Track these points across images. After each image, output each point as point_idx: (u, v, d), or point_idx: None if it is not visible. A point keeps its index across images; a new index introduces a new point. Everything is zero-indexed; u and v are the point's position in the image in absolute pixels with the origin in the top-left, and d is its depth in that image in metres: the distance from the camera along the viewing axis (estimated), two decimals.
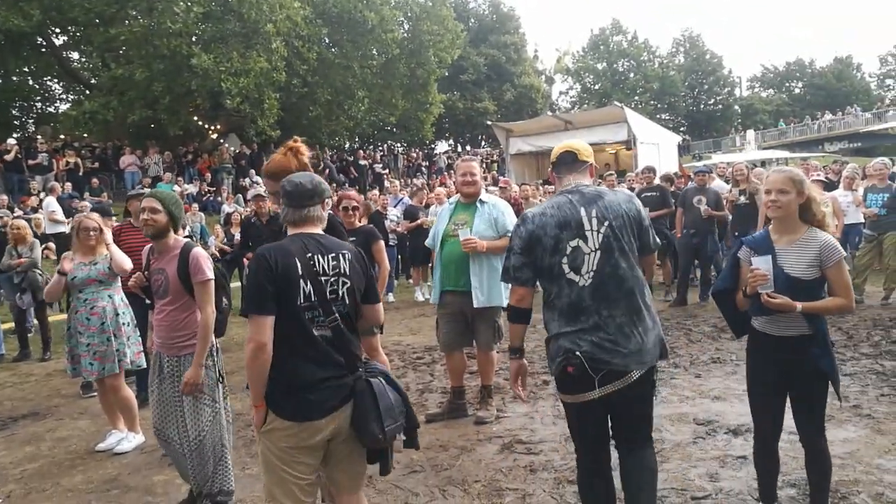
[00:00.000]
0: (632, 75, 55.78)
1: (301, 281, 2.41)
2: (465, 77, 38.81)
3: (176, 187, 18.00)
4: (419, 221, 10.71)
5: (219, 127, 24.22)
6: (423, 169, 28.23)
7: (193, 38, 19.89)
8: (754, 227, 9.02)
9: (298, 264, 2.41)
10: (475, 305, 4.70)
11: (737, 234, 9.31)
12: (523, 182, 13.77)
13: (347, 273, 2.50)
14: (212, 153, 22.38)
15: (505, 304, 4.75)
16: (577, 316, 2.72)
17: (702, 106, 58.81)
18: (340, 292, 2.48)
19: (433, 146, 39.38)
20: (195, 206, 16.90)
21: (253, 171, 21.25)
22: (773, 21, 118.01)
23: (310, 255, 2.45)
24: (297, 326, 2.40)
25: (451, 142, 45.19)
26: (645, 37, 62.00)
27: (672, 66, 57.39)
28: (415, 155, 30.58)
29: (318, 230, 2.57)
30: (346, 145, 32.30)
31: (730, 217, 9.08)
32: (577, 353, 2.65)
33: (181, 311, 3.57)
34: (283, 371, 2.40)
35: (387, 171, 26.08)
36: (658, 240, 3.00)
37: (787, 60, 61.95)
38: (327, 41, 24.84)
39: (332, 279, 2.47)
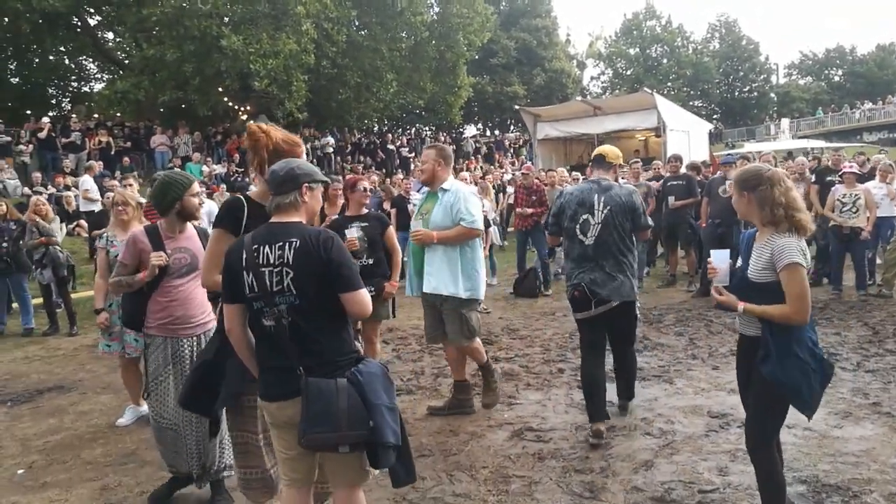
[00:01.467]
0: (665, 61, 54.82)
1: (244, 273, 2.40)
2: (494, 61, 38.47)
3: (205, 167, 18.23)
4: None
5: (248, 108, 24.41)
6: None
7: (224, 20, 20.01)
8: None
9: (244, 256, 2.41)
10: (424, 289, 4.54)
11: None
12: (550, 168, 13.66)
13: (290, 262, 2.36)
14: (241, 134, 22.56)
15: (463, 295, 4.41)
16: (583, 262, 4.22)
17: (736, 93, 57.56)
18: (286, 283, 2.36)
19: (462, 130, 39.22)
20: (223, 186, 17.08)
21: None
22: (812, 8, 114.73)
23: (256, 246, 2.40)
24: (252, 316, 2.46)
25: (479, 126, 44.97)
26: (679, 22, 60.82)
27: (706, 52, 56.20)
28: (442, 138, 30.51)
29: (293, 218, 2.47)
30: (375, 128, 32.35)
31: None
32: (581, 284, 4.15)
33: (200, 289, 3.59)
34: (256, 352, 2.55)
35: (413, 154, 26.08)
36: (650, 221, 4.46)
37: (827, 47, 60.42)
38: (356, 23, 24.82)
39: (276, 269, 2.37)
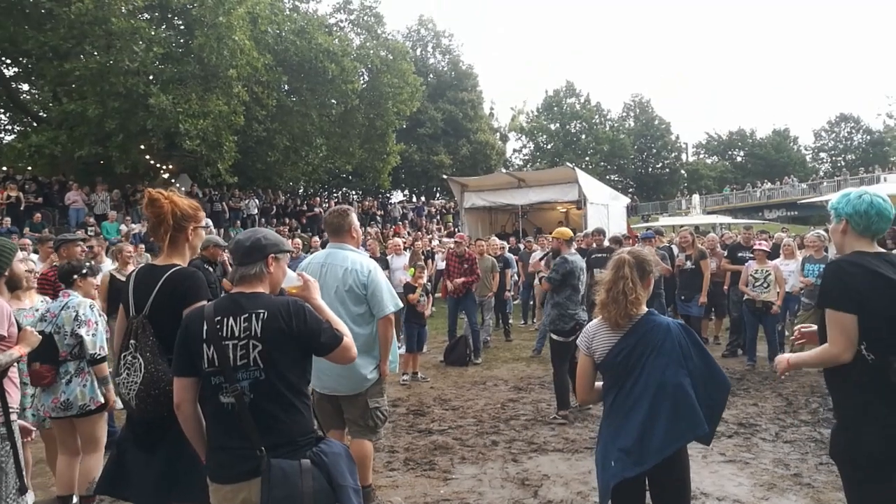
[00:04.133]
0: (583, 137, 57.72)
1: (204, 345, 2.29)
2: (422, 130, 39.44)
3: (123, 227, 17.57)
4: None
5: (170, 167, 23.89)
6: (378, 217, 28.31)
7: (151, 78, 19.72)
8: (699, 292, 9.29)
9: (205, 328, 2.30)
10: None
11: (683, 297, 9.56)
12: (478, 238, 13.91)
13: (258, 335, 2.26)
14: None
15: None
16: (580, 303, 6.62)
17: (650, 169, 61.06)
18: (251, 356, 2.25)
19: (389, 195, 39.64)
20: (142, 246, 16.46)
21: (202, 214, 20.92)
22: (719, 91, 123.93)
23: (219, 318, 2.30)
24: (207, 391, 2.33)
25: (405, 192, 45.57)
26: (597, 100, 64.25)
27: (622, 130, 59.68)
28: (368, 203, 30.71)
29: (257, 289, 2.40)
30: (301, 190, 32.24)
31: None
32: (580, 322, 6.34)
33: None
34: (207, 429, 2.40)
35: None
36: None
37: (730, 130, 65.27)
38: (287, 88, 24.99)
39: (242, 343, 2.27)
